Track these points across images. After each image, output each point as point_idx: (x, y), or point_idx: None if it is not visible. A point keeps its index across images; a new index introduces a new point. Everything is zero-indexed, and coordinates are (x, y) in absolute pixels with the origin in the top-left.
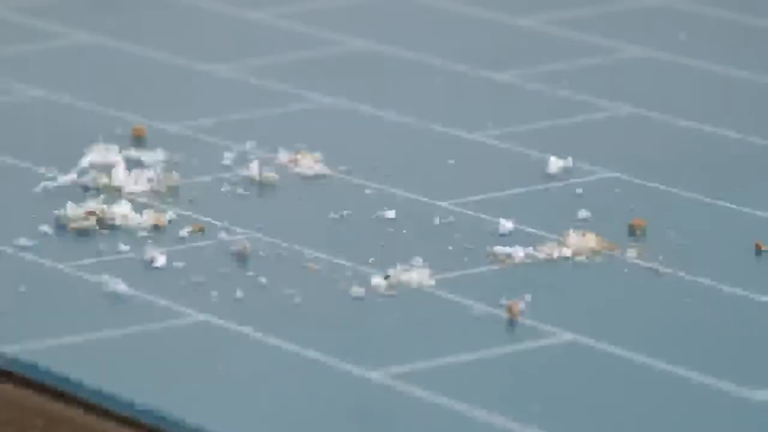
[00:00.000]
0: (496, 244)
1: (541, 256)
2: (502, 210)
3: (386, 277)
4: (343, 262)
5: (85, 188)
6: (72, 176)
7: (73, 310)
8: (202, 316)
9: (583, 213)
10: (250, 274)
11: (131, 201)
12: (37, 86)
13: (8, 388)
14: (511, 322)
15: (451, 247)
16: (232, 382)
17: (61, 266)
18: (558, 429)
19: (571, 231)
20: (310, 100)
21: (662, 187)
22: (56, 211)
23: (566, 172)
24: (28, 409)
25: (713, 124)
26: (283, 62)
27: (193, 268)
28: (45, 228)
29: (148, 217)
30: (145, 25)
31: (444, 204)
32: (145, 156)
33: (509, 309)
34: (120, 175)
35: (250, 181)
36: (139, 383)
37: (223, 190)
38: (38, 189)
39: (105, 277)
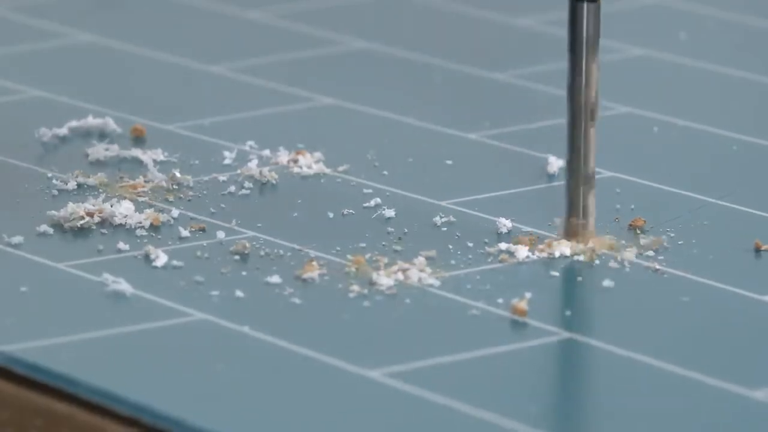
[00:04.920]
0: (496, 244)
1: (541, 255)
2: (501, 209)
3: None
4: (343, 261)
5: (85, 188)
6: (72, 176)
7: (73, 310)
8: (202, 316)
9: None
10: (250, 273)
11: (131, 201)
12: (37, 86)
13: (8, 388)
14: (512, 322)
15: (451, 247)
16: (231, 382)
17: (61, 265)
18: (557, 428)
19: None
20: (310, 100)
21: (662, 187)
22: (56, 211)
23: None
24: (28, 408)
25: (713, 124)
26: (283, 62)
27: (194, 268)
28: (45, 227)
29: (148, 217)
30: (145, 25)
31: (444, 204)
32: (145, 156)
33: (515, 308)
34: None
35: (250, 181)
36: (139, 382)
37: (222, 190)
38: (38, 188)
39: (105, 277)
